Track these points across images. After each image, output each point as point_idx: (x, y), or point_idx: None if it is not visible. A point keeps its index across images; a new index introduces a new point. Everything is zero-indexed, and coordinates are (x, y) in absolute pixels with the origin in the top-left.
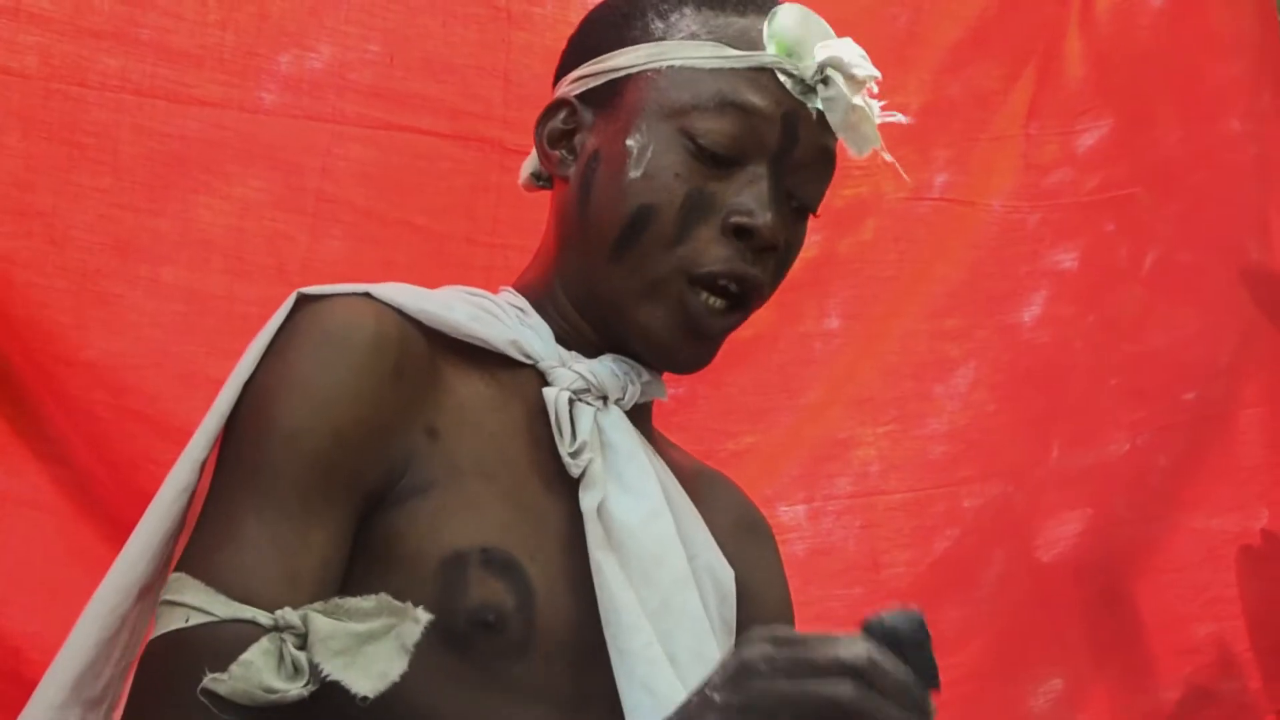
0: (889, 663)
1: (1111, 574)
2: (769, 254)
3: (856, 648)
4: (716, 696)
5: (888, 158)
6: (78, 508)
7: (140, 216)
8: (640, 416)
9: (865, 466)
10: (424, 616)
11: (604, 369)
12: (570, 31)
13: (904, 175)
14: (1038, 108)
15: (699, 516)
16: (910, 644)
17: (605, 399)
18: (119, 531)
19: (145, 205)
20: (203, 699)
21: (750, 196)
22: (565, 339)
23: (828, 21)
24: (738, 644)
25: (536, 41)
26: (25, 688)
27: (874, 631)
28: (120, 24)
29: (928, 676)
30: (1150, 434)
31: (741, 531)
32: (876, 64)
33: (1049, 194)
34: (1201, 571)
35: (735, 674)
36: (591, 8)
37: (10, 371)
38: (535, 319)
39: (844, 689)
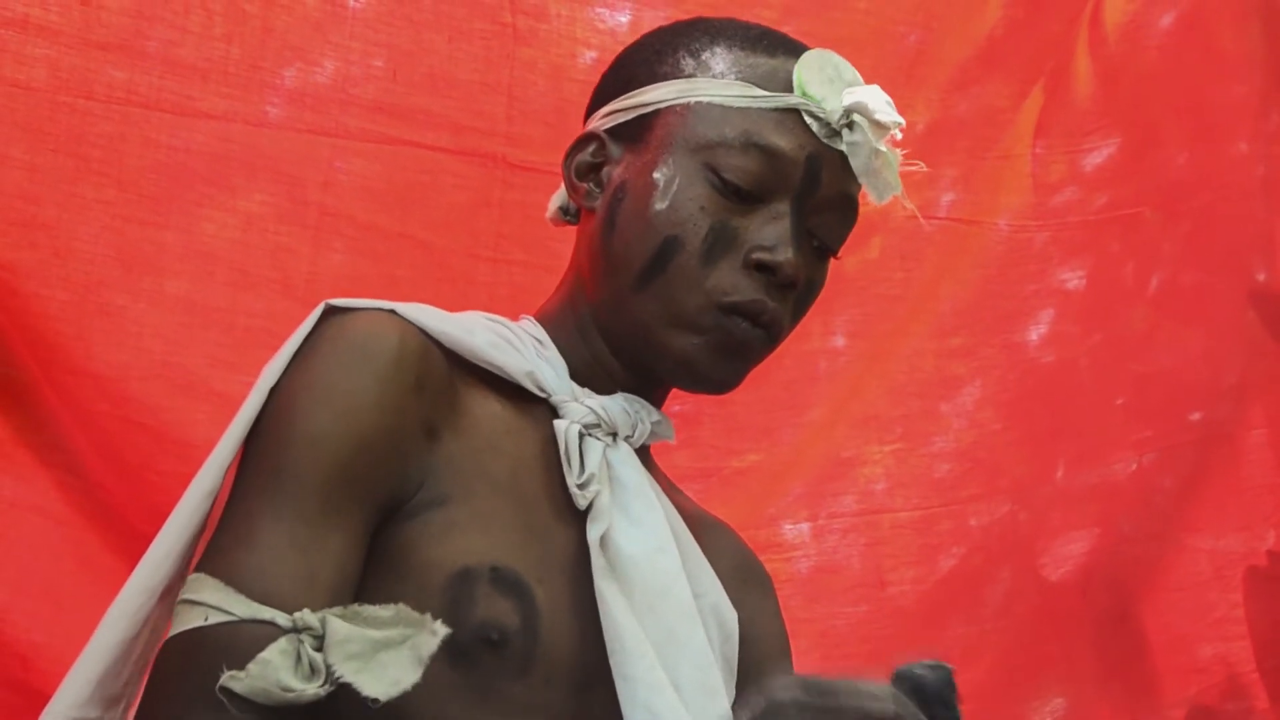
0: (913, 718)
1: (1117, 593)
2: (789, 291)
3: (884, 703)
4: None
5: (908, 205)
6: (84, 515)
7: (144, 229)
8: (647, 458)
9: (871, 484)
10: (441, 630)
11: (615, 406)
12: (575, 47)
13: (921, 220)
14: (1045, 126)
15: (704, 558)
16: (935, 698)
17: (615, 435)
18: (126, 540)
19: (149, 218)
20: (220, 696)
21: (772, 233)
22: (581, 374)
23: (839, 39)
24: (768, 685)
25: (540, 58)
26: (31, 696)
27: (903, 681)
28: (127, 37)
29: None
30: (1156, 454)
31: (742, 579)
32: (885, 82)
33: (1056, 213)
34: (1208, 592)
35: (763, 714)
36: (599, 26)
37: (18, 379)
38: (552, 352)
39: None
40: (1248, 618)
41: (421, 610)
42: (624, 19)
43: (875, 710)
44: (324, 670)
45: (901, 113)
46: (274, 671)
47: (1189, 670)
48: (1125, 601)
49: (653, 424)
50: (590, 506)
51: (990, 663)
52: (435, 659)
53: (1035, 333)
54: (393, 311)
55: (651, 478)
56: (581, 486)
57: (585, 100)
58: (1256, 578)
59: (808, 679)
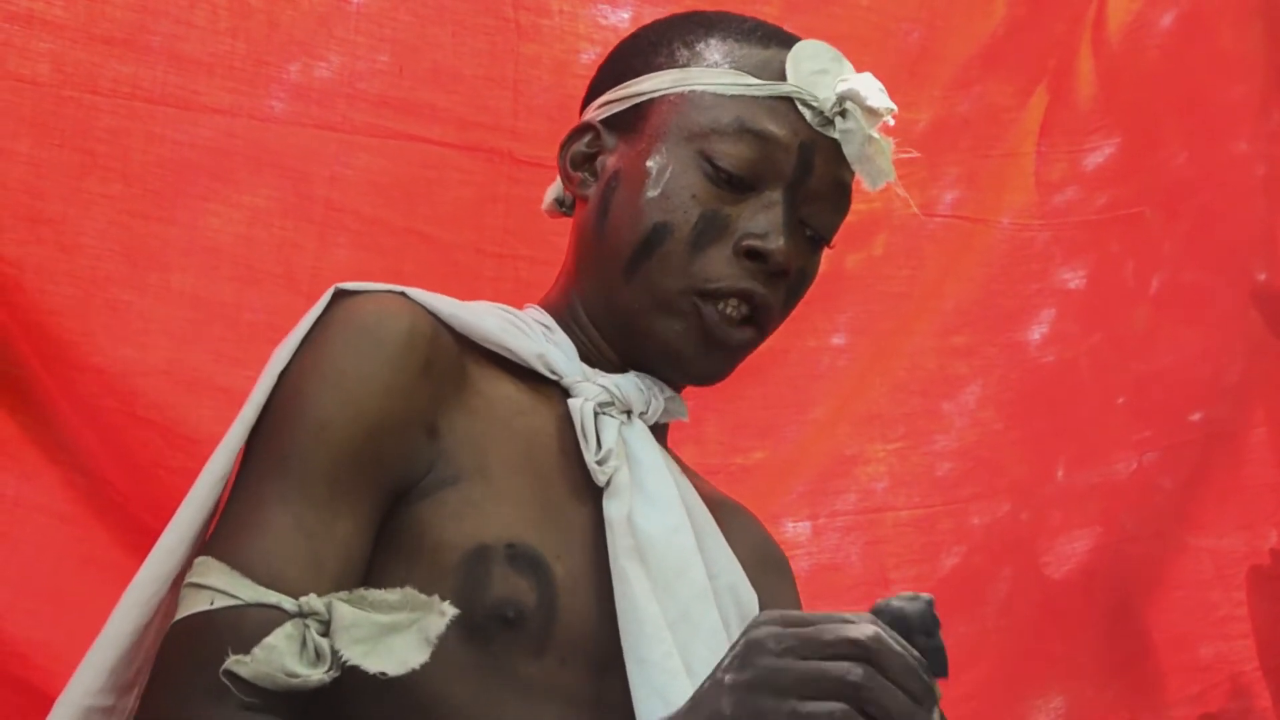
0: (895, 645)
1: (1119, 592)
2: (780, 279)
3: (864, 629)
4: (726, 677)
5: (901, 192)
6: (91, 512)
7: (150, 224)
8: (659, 438)
9: (872, 483)
10: (449, 610)
11: (628, 383)
12: (578, 43)
13: (914, 208)
14: (1049, 125)
15: (722, 537)
16: (918, 629)
17: (629, 413)
18: (131, 536)
19: (155, 213)
20: (225, 680)
21: (764, 221)
22: (588, 357)
23: (842, 36)
24: (748, 626)
25: (545, 53)
26: (31, 694)
27: (883, 614)
28: (132, 31)
29: (936, 663)
30: (1157, 453)
31: (761, 563)
32: (888, 80)
33: (1058, 212)
34: (1210, 591)
35: (743, 652)
36: (601, 22)
37: (24, 376)
38: (560, 336)
39: (851, 669)
40: (1250, 617)
41: (437, 588)
42: (625, 15)
43: (857, 638)
44: (329, 656)
45: (903, 110)
46: (279, 656)
47: (1191, 669)
48: (1127, 600)
49: (665, 399)
50: (608, 484)
51: (992, 661)
52: (449, 637)
53: (1037, 332)
54: (403, 294)
55: (667, 455)
56: (600, 463)
57: None
58: (1259, 577)
59: (785, 613)
